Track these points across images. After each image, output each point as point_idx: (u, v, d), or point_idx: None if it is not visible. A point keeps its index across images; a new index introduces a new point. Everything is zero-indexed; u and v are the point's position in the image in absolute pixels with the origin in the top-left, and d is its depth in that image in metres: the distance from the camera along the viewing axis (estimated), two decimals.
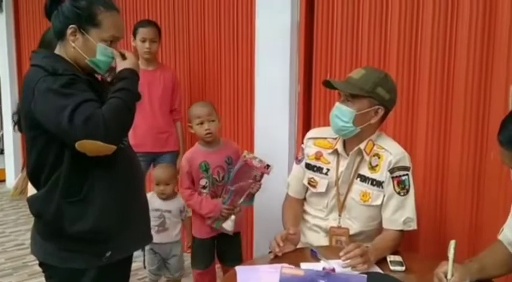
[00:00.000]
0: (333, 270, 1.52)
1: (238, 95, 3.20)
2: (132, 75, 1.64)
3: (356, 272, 1.62)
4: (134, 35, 3.12)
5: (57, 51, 1.66)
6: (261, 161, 2.47)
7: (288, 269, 1.20)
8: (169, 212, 2.79)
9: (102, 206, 1.58)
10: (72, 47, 1.61)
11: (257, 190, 2.56)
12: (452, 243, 1.60)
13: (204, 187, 2.59)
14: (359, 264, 1.64)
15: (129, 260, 1.81)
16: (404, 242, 2.28)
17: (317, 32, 2.78)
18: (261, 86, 2.98)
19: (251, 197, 2.59)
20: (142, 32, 3.08)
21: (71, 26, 1.59)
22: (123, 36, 1.68)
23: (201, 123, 2.54)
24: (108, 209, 1.60)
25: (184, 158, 2.63)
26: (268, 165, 2.47)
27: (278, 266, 1.64)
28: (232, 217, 2.55)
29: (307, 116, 2.89)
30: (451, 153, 2.35)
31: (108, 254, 1.62)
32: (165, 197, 2.79)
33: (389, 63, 2.50)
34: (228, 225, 2.55)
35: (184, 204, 2.81)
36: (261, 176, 2.51)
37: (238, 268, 1.67)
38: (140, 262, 3.15)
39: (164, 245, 2.82)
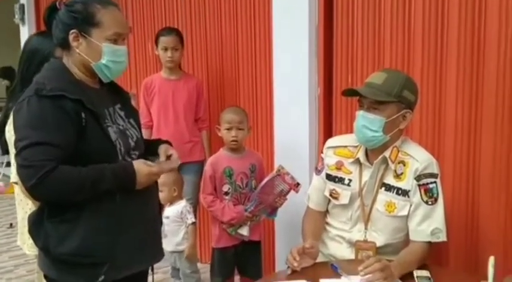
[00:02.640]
0: None
1: (256, 101, 3.11)
2: (131, 178, 1.55)
3: None
4: (156, 43, 3.08)
5: (64, 61, 1.61)
6: (292, 178, 2.47)
7: None
8: (167, 218, 2.73)
9: (89, 227, 1.51)
10: (77, 53, 1.56)
11: (281, 205, 2.56)
12: (491, 260, 1.46)
13: (226, 193, 2.58)
14: (379, 279, 1.52)
15: (141, 275, 1.72)
16: (432, 254, 2.14)
17: (337, 33, 2.67)
18: (279, 91, 2.88)
19: (275, 210, 2.61)
20: (164, 40, 3.04)
21: (71, 31, 1.54)
22: (127, 31, 1.63)
23: (229, 129, 2.55)
24: (96, 231, 1.52)
25: (208, 163, 2.64)
26: (298, 183, 2.46)
27: None
28: (248, 222, 2.56)
29: (328, 121, 2.77)
30: (483, 158, 2.20)
31: (101, 279, 1.52)
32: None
33: (414, 64, 2.37)
34: (244, 230, 2.56)
35: (187, 210, 2.75)
36: (288, 192, 2.50)
37: None
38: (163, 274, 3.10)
39: (168, 254, 2.75)
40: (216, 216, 2.56)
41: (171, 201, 2.79)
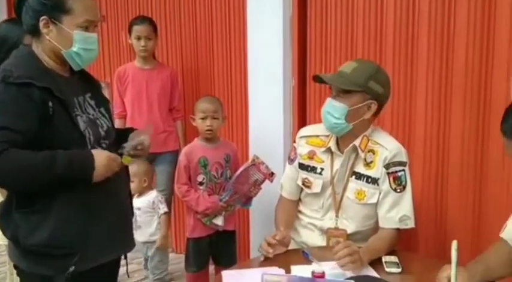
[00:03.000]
0: (323, 274, 1.44)
1: (231, 91, 3.12)
2: (89, 166, 1.50)
3: (348, 274, 1.54)
4: (129, 32, 3.05)
5: (34, 48, 1.58)
6: (267, 167, 2.47)
7: (269, 276, 1.12)
8: (139, 209, 2.72)
9: (59, 218, 1.49)
10: (48, 40, 1.53)
11: (256, 194, 2.57)
12: (454, 244, 1.50)
13: (201, 183, 2.57)
14: (347, 264, 1.56)
15: (111, 265, 1.72)
16: (402, 241, 2.19)
17: (310, 25, 2.69)
18: (254, 81, 2.89)
19: (249, 200, 2.61)
20: (137, 29, 3.00)
21: (41, 18, 1.51)
22: (99, 19, 1.60)
23: (204, 118, 2.54)
24: (67, 221, 1.50)
25: (183, 153, 2.62)
26: (273, 173, 2.47)
27: (266, 269, 1.57)
28: (223, 212, 2.56)
29: (303, 112, 2.80)
30: (451, 148, 2.27)
31: (71, 269, 1.51)
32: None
33: (386, 56, 2.41)
34: (219, 220, 2.56)
35: (158, 200, 2.76)
36: (263, 182, 2.51)
37: (224, 273, 1.60)
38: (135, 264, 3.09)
39: (140, 244, 2.74)
40: (191, 206, 2.56)
41: (141, 192, 2.77)
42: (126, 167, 1.72)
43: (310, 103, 2.75)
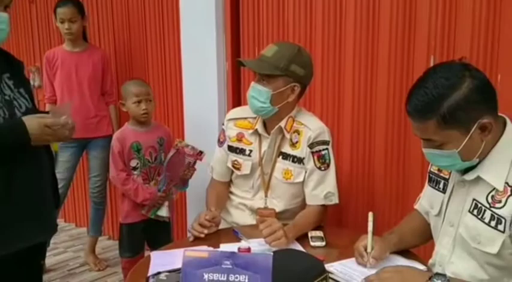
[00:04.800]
0: (248, 249, 1.48)
1: (166, 74, 3.10)
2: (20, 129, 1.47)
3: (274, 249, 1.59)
4: (55, 15, 2.96)
5: None
6: (193, 148, 2.46)
7: (191, 252, 1.14)
8: None
9: None
10: None
11: (191, 176, 2.56)
12: (370, 216, 1.59)
13: (134, 168, 2.55)
14: (272, 241, 1.61)
15: (35, 251, 1.68)
16: (334, 217, 2.28)
17: (243, 8, 2.70)
18: (188, 64, 2.88)
19: (186, 182, 2.61)
20: (60, 12, 2.93)
21: None
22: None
23: (139, 102, 2.50)
24: None
25: (115, 139, 2.57)
26: (201, 152, 2.46)
27: (196, 248, 1.60)
28: (166, 203, 2.56)
29: (237, 94, 2.82)
30: (377, 127, 2.35)
31: None
32: None
33: (316, 38, 2.46)
34: (164, 212, 2.55)
35: None
36: (195, 163, 2.50)
37: (152, 253, 1.61)
38: None
39: None
40: (129, 195, 2.53)
41: None
42: (49, 149, 1.69)
43: (244, 85, 2.77)
